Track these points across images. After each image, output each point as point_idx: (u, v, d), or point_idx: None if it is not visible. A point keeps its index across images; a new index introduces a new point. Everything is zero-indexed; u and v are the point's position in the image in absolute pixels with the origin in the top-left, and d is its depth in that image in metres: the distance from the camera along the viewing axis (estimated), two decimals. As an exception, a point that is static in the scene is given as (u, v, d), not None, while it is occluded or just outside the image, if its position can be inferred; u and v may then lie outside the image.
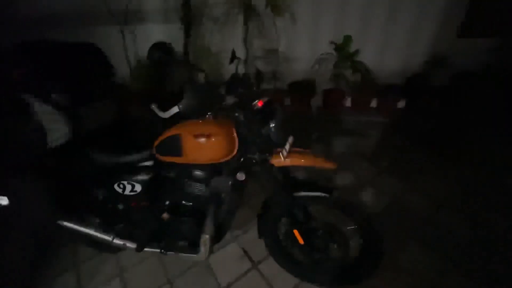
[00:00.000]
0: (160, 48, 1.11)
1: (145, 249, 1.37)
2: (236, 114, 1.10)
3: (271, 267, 1.52)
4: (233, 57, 1.28)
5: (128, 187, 1.31)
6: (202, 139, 1.13)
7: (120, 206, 1.41)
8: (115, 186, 1.32)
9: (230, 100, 1.09)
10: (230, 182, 1.23)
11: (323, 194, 1.23)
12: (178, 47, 2.82)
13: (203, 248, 1.28)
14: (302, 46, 3.19)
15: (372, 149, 2.73)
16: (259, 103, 1.08)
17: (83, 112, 1.29)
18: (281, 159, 1.14)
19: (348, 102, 3.53)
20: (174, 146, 1.18)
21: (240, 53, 2.91)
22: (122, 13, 2.69)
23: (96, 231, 1.40)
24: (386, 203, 1.97)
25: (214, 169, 1.26)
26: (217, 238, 1.36)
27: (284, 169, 1.27)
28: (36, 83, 1.15)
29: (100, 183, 1.35)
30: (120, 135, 1.47)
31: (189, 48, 2.81)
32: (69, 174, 1.32)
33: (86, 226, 1.40)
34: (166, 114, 0.96)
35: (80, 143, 1.30)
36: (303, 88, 3.24)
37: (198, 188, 1.29)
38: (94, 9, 2.70)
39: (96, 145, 1.33)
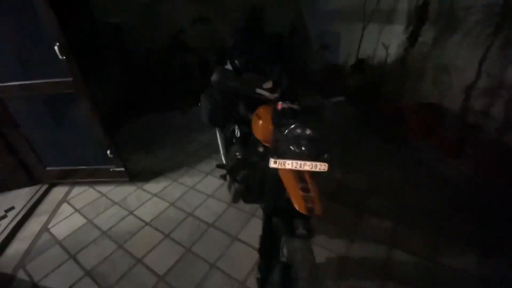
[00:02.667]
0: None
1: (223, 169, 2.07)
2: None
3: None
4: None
5: (237, 130, 1.98)
6: (255, 118, 1.48)
7: (233, 139, 2.14)
8: (236, 125, 2.04)
9: (268, 94, 1.27)
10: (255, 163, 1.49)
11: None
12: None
13: (231, 192, 1.74)
14: None
15: None
16: (278, 106, 1.18)
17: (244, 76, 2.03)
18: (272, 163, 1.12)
19: None
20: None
21: (470, 76, 2.15)
22: (375, 12, 2.88)
23: (220, 142, 2.27)
24: None
25: (259, 148, 1.55)
26: (244, 198, 1.71)
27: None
28: (233, 50, 2.01)
29: (233, 118, 2.13)
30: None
31: (409, 55, 2.49)
32: (224, 105, 2.19)
33: (220, 137, 2.31)
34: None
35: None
36: None
37: (253, 153, 1.68)
38: (353, 6, 3.15)
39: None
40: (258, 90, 1.23)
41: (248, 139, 1.85)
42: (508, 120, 1.92)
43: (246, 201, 1.74)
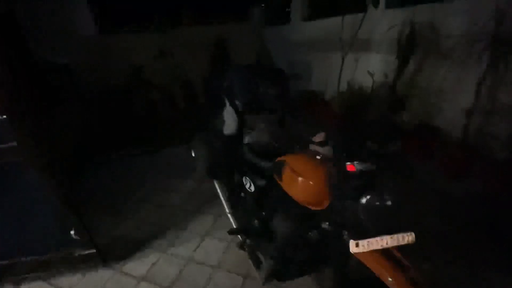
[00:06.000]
0: None
1: (238, 235, 1.67)
2: (329, 170, 1.01)
3: None
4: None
5: (248, 183, 1.64)
6: (294, 175, 1.17)
7: (242, 193, 1.78)
8: (244, 177, 1.69)
9: (321, 149, 1.01)
10: (301, 233, 1.17)
11: None
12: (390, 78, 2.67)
13: (262, 271, 1.35)
14: None
15: None
16: (349, 167, 0.91)
17: (248, 118, 1.74)
18: (353, 247, 0.88)
19: None
20: (279, 169, 1.31)
21: (467, 102, 2.19)
22: (349, 42, 2.94)
23: (224, 198, 1.88)
24: None
25: (300, 210, 1.24)
26: (280, 275, 1.34)
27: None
28: (231, 91, 1.71)
29: (239, 169, 1.79)
30: (267, 141, 1.80)
31: (399, 81, 2.54)
32: (227, 153, 1.85)
33: (222, 191, 1.92)
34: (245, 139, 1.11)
35: (239, 137, 1.78)
36: None
37: (283, 217, 1.34)
38: (332, 38, 3.22)
39: (251, 144, 1.75)
40: (313, 147, 0.95)
41: (267, 195, 1.52)
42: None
43: (284, 278, 1.36)
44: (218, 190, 1.93)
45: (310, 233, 1.13)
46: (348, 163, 0.89)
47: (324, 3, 3.62)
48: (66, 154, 3.06)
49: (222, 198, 1.89)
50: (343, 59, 3.04)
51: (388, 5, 2.73)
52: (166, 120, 4.39)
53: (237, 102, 1.70)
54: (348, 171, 0.90)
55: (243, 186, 1.71)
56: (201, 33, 4.95)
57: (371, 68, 2.86)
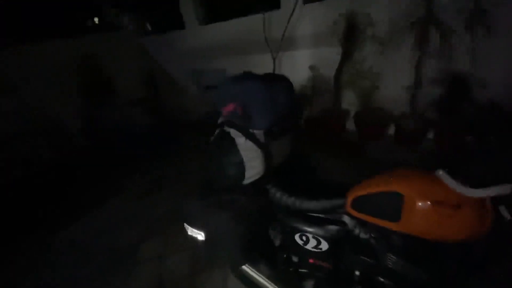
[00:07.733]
0: None
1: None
2: None
3: None
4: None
5: (312, 242, 1.11)
6: (444, 210, 0.80)
7: (295, 259, 1.22)
8: (296, 236, 1.14)
9: None
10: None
11: None
12: (331, 71, 2.76)
13: None
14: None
15: None
16: None
17: (272, 148, 1.19)
18: None
19: None
20: (388, 206, 0.90)
21: (407, 78, 2.44)
22: (277, 41, 2.81)
23: (265, 279, 1.25)
24: None
25: (442, 250, 0.89)
26: None
27: None
28: (241, 119, 1.10)
29: (280, 228, 1.21)
30: (300, 175, 1.31)
31: (343, 72, 2.63)
32: (254, 212, 1.22)
33: (258, 271, 1.27)
34: (477, 193, 0.67)
35: (265, 181, 1.20)
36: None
37: (409, 269, 0.95)
38: (252, 39, 2.98)
39: (279, 185, 1.20)
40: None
41: (355, 248, 1.06)
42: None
43: None
44: (254, 273, 1.23)
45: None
46: None
47: (227, 4, 3.28)
48: None
49: (265, 282, 1.22)
50: (274, 59, 2.83)
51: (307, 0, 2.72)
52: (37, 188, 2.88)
53: (255, 131, 1.12)
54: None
55: (296, 248, 1.16)
56: (57, 51, 3.53)
57: (304, 64, 2.81)
